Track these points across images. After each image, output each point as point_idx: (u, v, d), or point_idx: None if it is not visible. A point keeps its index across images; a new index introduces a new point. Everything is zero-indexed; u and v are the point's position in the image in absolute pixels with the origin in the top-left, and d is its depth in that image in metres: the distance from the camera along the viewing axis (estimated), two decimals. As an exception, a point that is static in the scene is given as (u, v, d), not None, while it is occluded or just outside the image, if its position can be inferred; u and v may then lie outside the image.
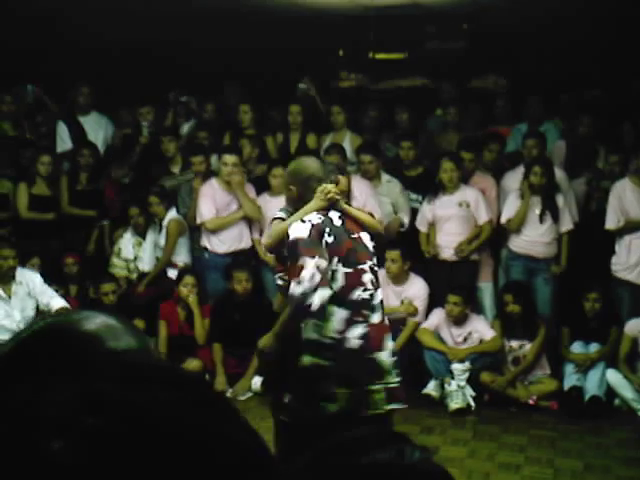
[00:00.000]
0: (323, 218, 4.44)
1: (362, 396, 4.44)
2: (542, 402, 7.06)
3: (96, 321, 1.01)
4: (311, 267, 4.22)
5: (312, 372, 4.39)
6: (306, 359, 4.40)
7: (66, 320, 1.03)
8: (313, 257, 4.25)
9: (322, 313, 4.32)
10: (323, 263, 4.27)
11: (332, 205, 4.51)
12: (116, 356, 0.97)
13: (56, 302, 7.04)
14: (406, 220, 7.91)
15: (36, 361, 0.94)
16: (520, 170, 7.78)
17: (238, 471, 0.84)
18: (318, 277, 4.21)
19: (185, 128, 9.22)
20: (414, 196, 8.05)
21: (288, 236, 4.41)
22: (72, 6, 8.45)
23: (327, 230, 4.40)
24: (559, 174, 7.71)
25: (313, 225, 4.38)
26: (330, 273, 4.35)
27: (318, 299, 4.23)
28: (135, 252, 8.20)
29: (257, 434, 0.89)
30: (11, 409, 0.83)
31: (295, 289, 4.22)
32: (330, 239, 4.39)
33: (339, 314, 4.38)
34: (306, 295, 4.19)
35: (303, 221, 4.42)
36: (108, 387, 0.85)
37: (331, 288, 4.34)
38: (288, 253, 4.43)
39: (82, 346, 0.97)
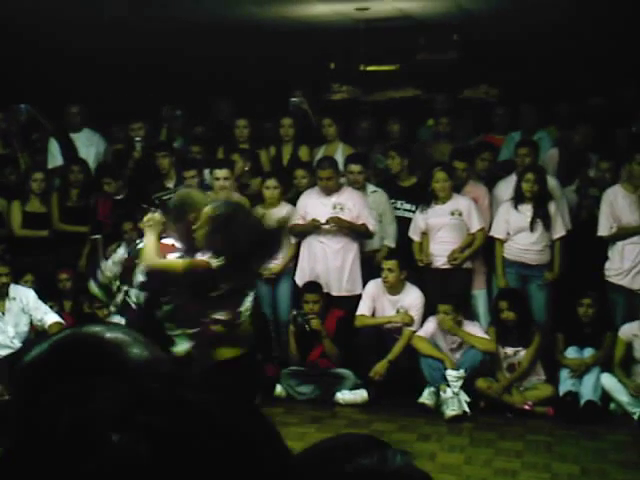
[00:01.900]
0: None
1: None
2: (538, 408, 7.04)
3: (117, 331, 1.04)
4: None
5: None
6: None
7: (88, 330, 1.05)
8: None
9: None
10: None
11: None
12: (146, 363, 0.99)
13: (50, 317, 7.07)
14: (392, 244, 7.93)
15: (67, 366, 0.96)
16: (513, 179, 7.79)
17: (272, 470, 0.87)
18: None
19: (178, 143, 9.23)
20: (408, 206, 8.05)
21: None
22: (64, 24, 8.49)
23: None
24: (552, 182, 7.72)
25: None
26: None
27: None
28: (129, 267, 8.18)
29: (280, 437, 0.93)
30: (68, 403, 0.86)
31: None
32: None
33: None
34: None
35: None
36: (155, 387, 0.88)
37: None
38: None
39: (107, 353, 1.00)
